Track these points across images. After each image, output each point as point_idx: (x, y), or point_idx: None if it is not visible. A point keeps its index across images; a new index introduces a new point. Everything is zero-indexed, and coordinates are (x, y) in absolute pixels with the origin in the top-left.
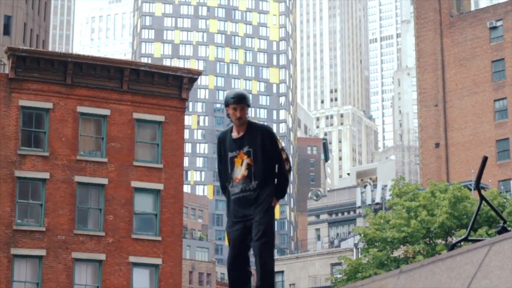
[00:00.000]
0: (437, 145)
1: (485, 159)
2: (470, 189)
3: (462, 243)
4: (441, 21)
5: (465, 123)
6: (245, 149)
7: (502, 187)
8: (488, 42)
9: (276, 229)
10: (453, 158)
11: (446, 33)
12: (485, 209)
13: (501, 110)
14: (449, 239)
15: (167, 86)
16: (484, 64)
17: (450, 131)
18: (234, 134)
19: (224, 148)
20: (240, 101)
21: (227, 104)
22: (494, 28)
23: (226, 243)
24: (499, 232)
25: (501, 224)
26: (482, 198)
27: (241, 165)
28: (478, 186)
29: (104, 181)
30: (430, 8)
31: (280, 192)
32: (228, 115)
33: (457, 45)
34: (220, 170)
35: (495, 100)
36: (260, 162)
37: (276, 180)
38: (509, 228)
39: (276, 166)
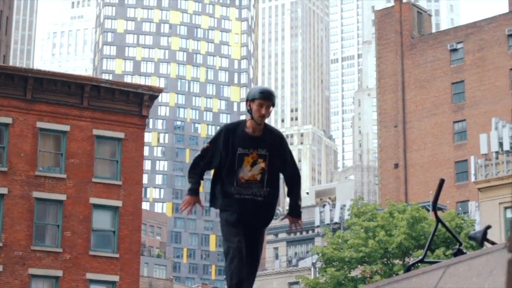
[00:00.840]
0: (396, 165)
1: (441, 182)
2: (428, 210)
3: (418, 264)
4: (402, 42)
5: (424, 144)
6: (261, 151)
7: (460, 209)
8: (448, 64)
9: None
10: (411, 179)
11: (407, 55)
12: (443, 230)
13: (460, 132)
14: (407, 259)
15: (128, 103)
16: (444, 86)
17: (409, 152)
18: (249, 131)
19: (233, 141)
20: (268, 97)
21: (252, 98)
22: (454, 50)
23: (185, 260)
24: (455, 255)
25: (457, 247)
26: (438, 220)
27: (251, 165)
28: (434, 209)
29: (63, 197)
30: (391, 29)
31: (298, 199)
32: (249, 110)
33: (417, 67)
34: (203, 156)
35: (454, 122)
36: (274, 169)
37: (291, 186)
38: (464, 251)
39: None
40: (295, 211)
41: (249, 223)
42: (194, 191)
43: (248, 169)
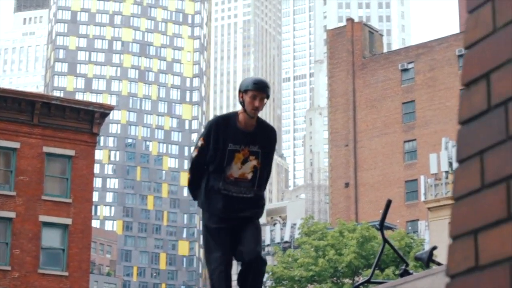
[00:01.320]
0: (347, 184)
1: (388, 203)
2: (378, 229)
3: (365, 284)
4: (354, 62)
5: (374, 163)
6: (254, 148)
7: (410, 228)
8: (399, 84)
9: (184, 266)
10: (362, 198)
11: (358, 74)
12: (392, 250)
13: (411, 152)
14: (356, 278)
15: (79, 120)
16: (394, 106)
17: (360, 171)
18: (242, 125)
19: (224, 135)
20: (262, 89)
21: (245, 89)
22: (405, 70)
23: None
24: (401, 275)
25: (404, 267)
26: (385, 241)
27: (242, 163)
28: (381, 229)
29: (12, 214)
30: (343, 49)
31: None
32: (241, 102)
33: (368, 86)
34: (201, 155)
35: (404, 141)
36: (266, 167)
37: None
38: (411, 271)
39: None
40: None
41: (235, 217)
42: (194, 195)
43: (238, 167)
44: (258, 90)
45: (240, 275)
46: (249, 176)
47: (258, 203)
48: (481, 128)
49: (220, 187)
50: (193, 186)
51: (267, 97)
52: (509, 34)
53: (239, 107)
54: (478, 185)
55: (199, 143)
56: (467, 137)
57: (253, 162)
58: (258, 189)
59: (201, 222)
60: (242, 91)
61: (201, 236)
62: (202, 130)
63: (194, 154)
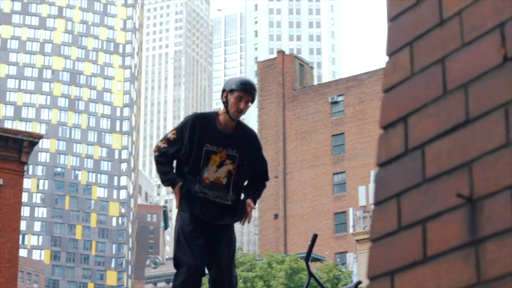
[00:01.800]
0: (276, 216)
1: (314, 237)
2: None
3: None
4: (284, 94)
5: (304, 195)
6: (231, 152)
7: (338, 260)
8: (329, 117)
9: None
10: (291, 230)
11: (288, 106)
12: (321, 280)
13: (340, 184)
14: None
15: (7, 148)
16: (324, 138)
17: (289, 203)
18: (220, 127)
19: (201, 134)
20: (250, 91)
21: (231, 89)
22: (335, 103)
23: None
24: None
25: None
26: (310, 274)
27: (217, 166)
28: (307, 263)
29: None
30: (273, 80)
31: (257, 197)
32: (224, 102)
33: (298, 118)
34: (170, 146)
35: (334, 174)
36: (242, 173)
37: (253, 184)
38: None
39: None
40: (252, 196)
41: (211, 224)
42: (174, 180)
43: (214, 170)
44: (245, 91)
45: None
46: (224, 181)
47: (235, 212)
48: (398, 171)
49: (196, 189)
50: (168, 175)
51: (253, 100)
52: (426, 79)
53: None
54: (395, 227)
55: (170, 135)
56: (384, 180)
57: (228, 167)
58: (235, 196)
59: (129, 252)
60: (227, 91)
61: (130, 267)
62: (132, 160)
63: (163, 145)
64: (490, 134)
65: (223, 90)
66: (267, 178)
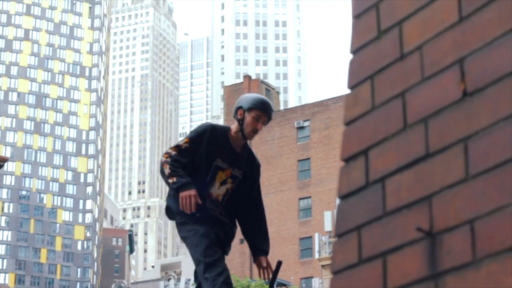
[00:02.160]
0: (242, 241)
1: (279, 264)
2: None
3: None
4: None
5: (270, 220)
6: (236, 172)
7: (304, 285)
8: (295, 142)
9: None
10: None
11: None
12: None
13: (305, 209)
14: None
15: None
16: (290, 163)
17: None
18: (232, 143)
19: (215, 148)
20: (268, 112)
21: (249, 107)
22: (301, 128)
23: None
24: None
25: None
26: None
27: (221, 183)
28: None
29: None
30: None
31: (267, 247)
32: (240, 119)
33: (265, 143)
34: (182, 156)
35: (300, 199)
36: (236, 195)
37: (253, 229)
38: None
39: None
40: (264, 246)
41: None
42: (191, 183)
43: (217, 186)
44: (264, 111)
45: None
46: (220, 198)
47: (232, 233)
48: (359, 204)
49: (207, 205)
50: (179, 177)
51: (268, 121)
52: (386, 112)
53: (134, 161)
54: (355, 260)
55: (182, 144)
56: (345, 212)
57: (228, 185)
58: (228, 213)
59: (94, 276)
60: (245, 109)
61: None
62: (98, 184)
63: (173, 152)
64: (450, 168)
65: (239, 107)
66: (262, 207)
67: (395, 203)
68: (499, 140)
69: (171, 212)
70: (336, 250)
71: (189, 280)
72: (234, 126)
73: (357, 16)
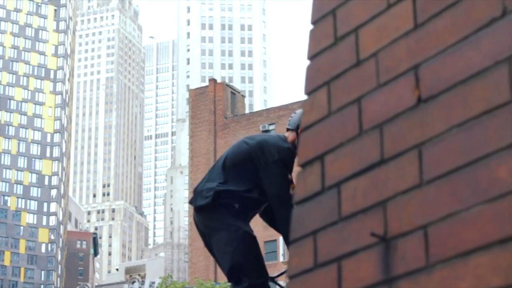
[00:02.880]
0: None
1: None
2: None
3: None
4: (216, 122)
5: None
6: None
7: None
8: None
9: None
10: None
11: (219, 134)
12: None
13: None
14: None
15: None
16: None
17: None
18: None
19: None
20: None
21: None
22: (266, 131)
23: None
24: None
25: None
26: None
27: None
28: None
29: None
30: (205, 108)
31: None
32: (296, 137)
33: (230, 146)
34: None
35: None
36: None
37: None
38: None
39: None
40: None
41: None
42: None
43: None
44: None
45: None
46: None
47: None
48: (315, 209)
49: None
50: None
51: None
52: (342, 118)
53: (99, 163)
54: (311, 265)
55: (292, 187)
56: (301, 217)
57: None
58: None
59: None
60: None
61: None
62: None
63: (287, 195)
64: (404, 174)
65: (298, 125)
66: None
67: (350, 208)
68: (452, 147)
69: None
70: (292, 254)
71: (153, 283)
72: (290, 139)
73: (314, 23)
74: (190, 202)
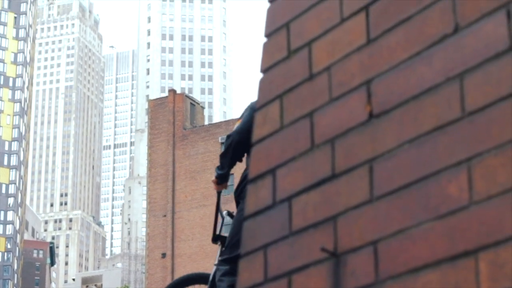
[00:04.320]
0: (164, 255)
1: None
2: None
3: None
4: (174, 133)
5: (192, 234)
6: None
7: None
8: (218, 157)
9: None
10: (179, 269)
11: (178, 145)
12: None
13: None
14: None
15: None
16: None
17: (177, 242)
18: None
19: None
20: None
21: None
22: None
23: None
24: None
25: None
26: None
27: None
28: None
29: None
30: (164, 119)
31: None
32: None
33: (188, 158)
34: None
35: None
36: None
37: None
38: None
39: None
40: None
41: None
42: None
43: None
44: None
45: None
46: None
47: None
48: (266, 223)
49: None
50: None
51: None
52: (295, 132)
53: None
54: (261, 279)
55: None
56: (252, 231)
57: None
58: None
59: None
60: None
61: None
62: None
63: None
64: (355, 189)
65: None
66: None
67: (301, 222)
68: (404, 163)
69: None
70: (242, 268)
71: None
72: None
73: (268, 35)
74: None
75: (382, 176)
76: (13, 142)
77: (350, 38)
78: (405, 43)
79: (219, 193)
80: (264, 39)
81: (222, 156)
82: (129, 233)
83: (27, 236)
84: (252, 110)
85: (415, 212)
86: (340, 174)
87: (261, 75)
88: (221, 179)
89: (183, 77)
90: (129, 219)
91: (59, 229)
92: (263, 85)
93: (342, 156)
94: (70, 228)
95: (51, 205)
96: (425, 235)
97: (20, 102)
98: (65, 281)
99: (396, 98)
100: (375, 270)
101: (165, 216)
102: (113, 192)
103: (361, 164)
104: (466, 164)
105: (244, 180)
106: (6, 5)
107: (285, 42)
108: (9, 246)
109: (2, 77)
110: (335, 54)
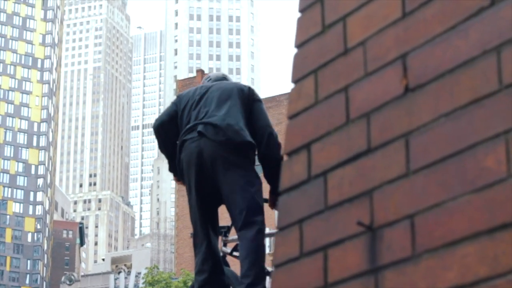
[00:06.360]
0: (191, 234)
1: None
2: None
3: None
4: None
5: (220, 214)
6: None
7: None
8: None
9: None
10: None
11: None
12: None
13: None
14: None
15: None
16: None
17: None
18: None
19: None
20: None
21: None
22: None
23: None
24: None
25: None
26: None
27: None
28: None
29: None
30: None
31: None
32: None
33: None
34: None
35: None
36: None
37: None
38: None
39: None
40: None
41: None
42: None
43: None
44: None
45: None
46: None
47: None
48: (301, 198)
49: None
50: None
51: None
52: (329, 107)
53: (86, 153)
54: (297, 254)
55: None
56: (287, 206)
57: None
58: None
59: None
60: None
61: (44, 283)
62: (49, 176)
63: None
64: (391, 163)
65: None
66: None
67: (336, 197)
68: (440, 136)
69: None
70: (278, 243)
71: (139, 273)
72: None
73: (302, 11)
74: (200, 132)
75: (418, 150)
76: (42, 123)
77: (385, 12)
78: (441, 16)
79: None
80: (298, 14)
81: (159, 149)
82: (158, 213)
83: (56, 216)
84: (178, 98)
85: (452, 185)
86: (375, 148)
87: (295, 51)
88: (173, 173)
89: (210, 57)
90: (158, 199)
91: (89, 209)
92: (298, 60)
93: (378, 130)
94: (99, 209)
95: (80, 185)
96: (462, 208)
97: (49, 84)
98: (95, 261)
99: (432, 71)
100: (411, 244)
101: None
102: (141, 172)
103: (397, 138)
104: (503, 136)
105: None
106: None
107: (319, 17)
108: (39, 227)
109: (30, 58)
110: (370, 28)
